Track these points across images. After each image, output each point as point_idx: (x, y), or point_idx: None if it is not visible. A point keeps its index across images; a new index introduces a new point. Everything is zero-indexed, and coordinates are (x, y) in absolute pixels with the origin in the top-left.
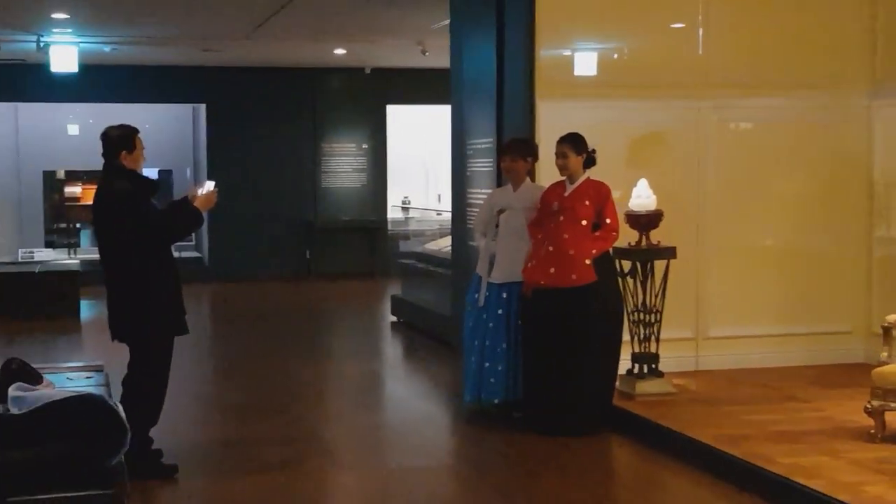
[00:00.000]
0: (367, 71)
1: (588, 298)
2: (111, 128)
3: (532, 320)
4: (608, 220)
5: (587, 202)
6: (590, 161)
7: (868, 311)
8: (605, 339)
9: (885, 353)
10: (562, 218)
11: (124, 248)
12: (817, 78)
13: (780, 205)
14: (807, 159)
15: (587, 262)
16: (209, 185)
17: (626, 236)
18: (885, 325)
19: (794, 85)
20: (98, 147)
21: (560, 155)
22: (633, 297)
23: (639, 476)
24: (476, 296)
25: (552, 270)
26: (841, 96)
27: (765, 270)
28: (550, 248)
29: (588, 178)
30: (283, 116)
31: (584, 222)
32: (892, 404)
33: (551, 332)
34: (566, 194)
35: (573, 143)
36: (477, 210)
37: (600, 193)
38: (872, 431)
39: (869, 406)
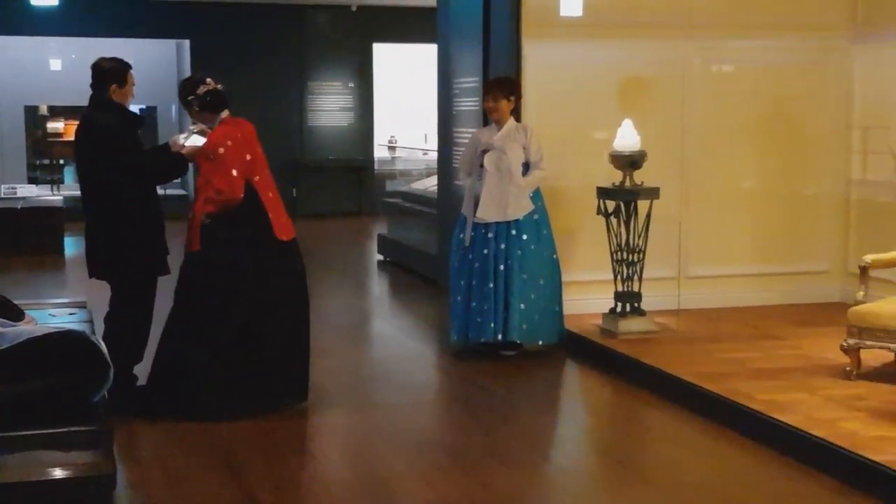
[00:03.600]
0: (354, 8)
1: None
2: (103, 59)
3: None
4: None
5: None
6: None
7: (845, 251)
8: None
9: (861, 293)
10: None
11: (106, 184)
12: (799, 21)
13: (761, 147)
14: (788, 102)
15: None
16: (197, 139)
17: (611, 176)
18: (862, 265)
19: (776, 28)
20: (81, 82)
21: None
22: (616, 237)
23: (621, 411)
24: (462, 236)
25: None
26: (822, 40)
27: (745, 211)
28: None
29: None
30: (269, 53)
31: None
32: (868, 342)
33: None
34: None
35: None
36: (462, 150)
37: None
38: (848, 369)
39: (845, 344)
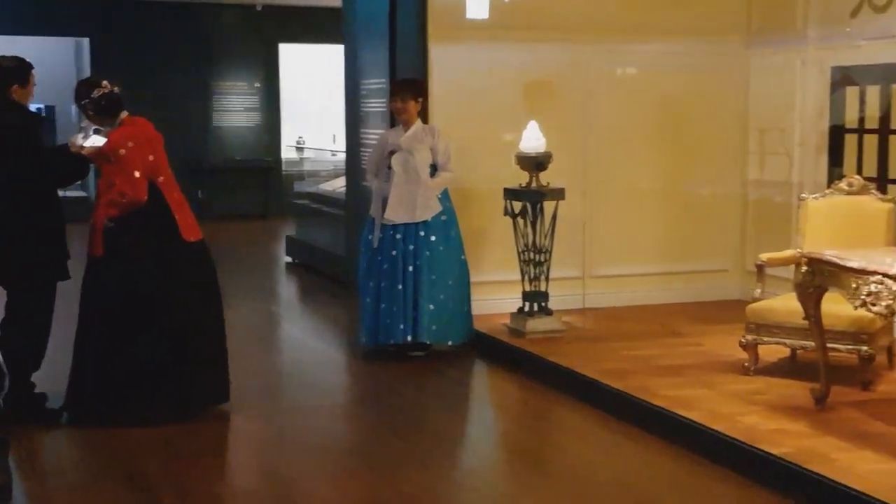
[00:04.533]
0: (259, 7)
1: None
2: (4, 58)
3: None
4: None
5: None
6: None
7: (743, 250)
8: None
9: (758, 290)
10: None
11: (5, 186)
12: (697, 26)
13: (663, 148)
14: (687, 105)
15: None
16: (97, 139)
17: (518, 177)
18: (758, 263)
19: (675, 32)
20: None
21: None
22: (523, 237)
23: (529, 410)
24: (370, 237)
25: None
26: (719, 44)
27: (648, 212)
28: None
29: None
30: (172, 53)
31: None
32: (765, 338)
33: None
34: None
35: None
36: (370, 151)
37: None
38: (746, 364)
39: (743, 340)
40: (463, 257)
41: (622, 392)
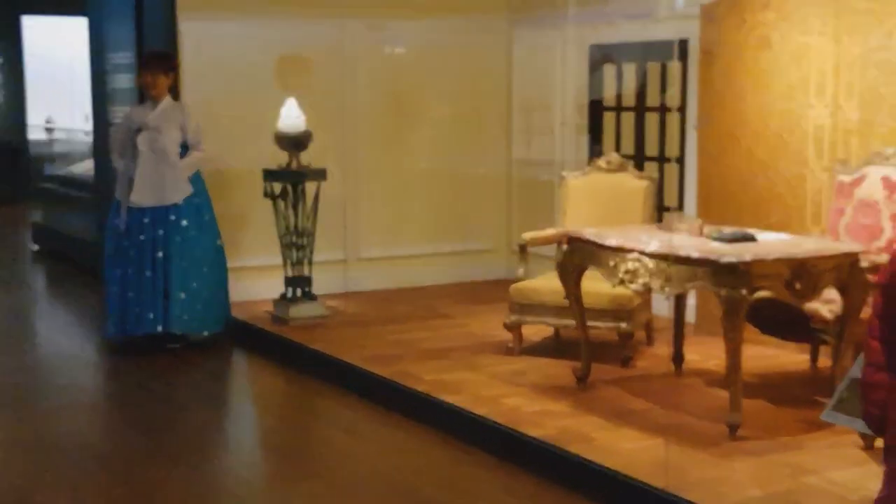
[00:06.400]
0: None
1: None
2: None
3: None
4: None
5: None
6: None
7: (509, 229)
8: None
9: (521, 270)
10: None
11: None
12: (461, 3)
13: (428, 127)
14: (452, 82)
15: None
16: None
17: (277, 158)
18: (521, 243)
19: (438, 9)
20: None
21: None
22: (284, 220)
23: (291, 403)
24: (116, 222)
25: None
26: (483, 21)
27: (415, 191)
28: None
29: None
30: None
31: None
32: (528, 318)
33: None
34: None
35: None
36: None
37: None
38: (511, 345)
39: (507, 321)
40: (219, 243)
41: (386, 379)
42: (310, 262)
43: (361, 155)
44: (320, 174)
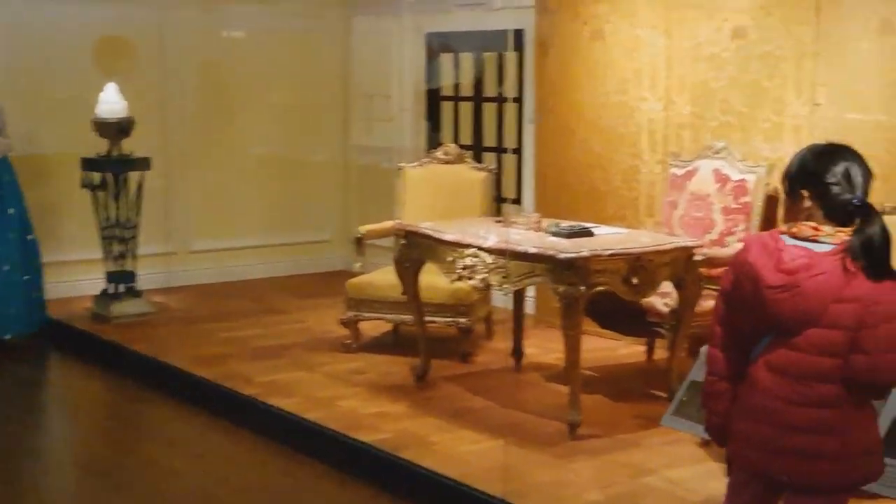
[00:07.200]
0: None
1: None
2: None
3: None
4: None
5: None
6: None
7: (346, 219)
8: None
9: (358, 264)
10: None
11: None
12: None
13: (261, 114)
14: (286, 69)
15: None
16: None
17: (96, 146)
18: (357, 235)
19: None
20: None
21: None
22: (105, 212)
23: (108, 411)
24: None
25: None
26: (321, 7)
27: (248, 181)
28: None
29: None
30: None
31: None
32: (366, 314)
33: None
34: None
35: None
36: None
37: None
38: (348, 342)
39: (344, 317)
40: (30, 236)
41: (212, 383)
42: (133, 256)
43: (189, 143)
44: (144, 163)
